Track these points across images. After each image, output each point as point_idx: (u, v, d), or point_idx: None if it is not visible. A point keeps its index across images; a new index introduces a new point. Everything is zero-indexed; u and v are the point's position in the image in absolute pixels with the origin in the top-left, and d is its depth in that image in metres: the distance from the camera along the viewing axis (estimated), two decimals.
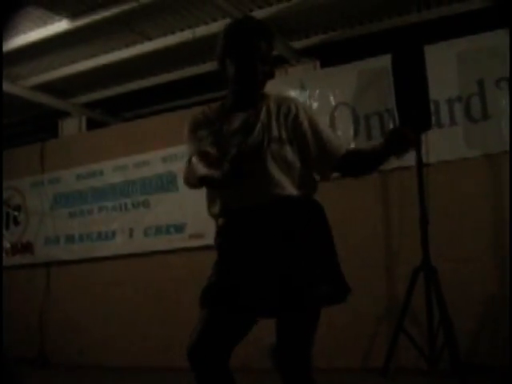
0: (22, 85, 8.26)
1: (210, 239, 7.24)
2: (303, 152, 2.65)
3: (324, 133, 2.67)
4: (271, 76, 2.73)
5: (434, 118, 5.78)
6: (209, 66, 7.73)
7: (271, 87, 7.03)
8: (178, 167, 7.49)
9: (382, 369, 5.36)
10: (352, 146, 6.47)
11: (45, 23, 6.69)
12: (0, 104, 6.99)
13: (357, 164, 2.80)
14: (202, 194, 7.17)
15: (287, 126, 2.61)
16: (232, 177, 2.42)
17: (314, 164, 2.72)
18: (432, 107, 5.73)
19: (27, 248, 8.88)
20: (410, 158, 5.84)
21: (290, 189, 2.57)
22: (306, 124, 2.63)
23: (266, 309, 2.52)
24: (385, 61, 6.01)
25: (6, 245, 9.08)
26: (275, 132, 2.57)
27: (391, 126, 6.27)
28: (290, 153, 2.58)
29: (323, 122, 2.75)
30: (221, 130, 2.66)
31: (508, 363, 4.89)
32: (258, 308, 2.52)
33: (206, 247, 7.15)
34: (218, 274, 2.64)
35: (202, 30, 6.80)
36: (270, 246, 2.49)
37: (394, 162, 6.18)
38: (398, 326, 5.34)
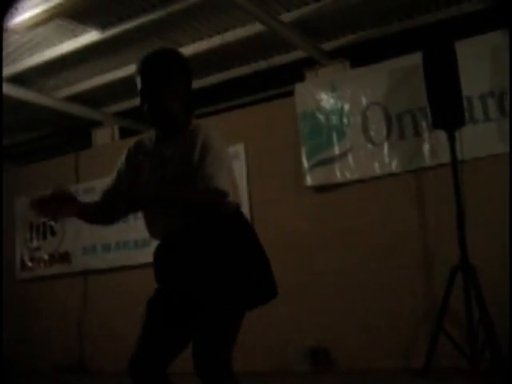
0: (55, 96, 8.35)
1: None
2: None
3: (204, 162, 2.59)
4: (184, 109, 2.75)
5: (467, 115, 5.72)
6: (238, 72, 7.75)
7: (303, 89, 7.03)
8: None
9: (422, 369, 5.31)
10: (385, 146, 6.44)
11: (75, 35, 6.76)
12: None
13: None
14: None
15: (185, 161, 2.64)
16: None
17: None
18: (465, 103, 5.68)
19: (65, 258, 8.97)
20: (444, 156, 5.81)
21: (190, 217, 2.64)
22: (197, 153, 2.62)
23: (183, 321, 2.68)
24: (416, 59, 5.97)
25: (44, 255, 9.18)
26: (174, 169, 2.65)
27: (424, 124, 6.23)
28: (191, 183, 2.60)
29: (218, 156, 2.62)
30: (142, 163, 2.78)
31: None
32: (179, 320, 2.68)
33: None
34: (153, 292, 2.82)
35: (230, 35, 6.82)
36: (180, 267, 2.69)
37: (428, 161, 6.19)
38: (438, 325, 5.29)
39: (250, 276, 2.68)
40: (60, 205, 2.62)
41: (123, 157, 2.91)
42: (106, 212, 2.83)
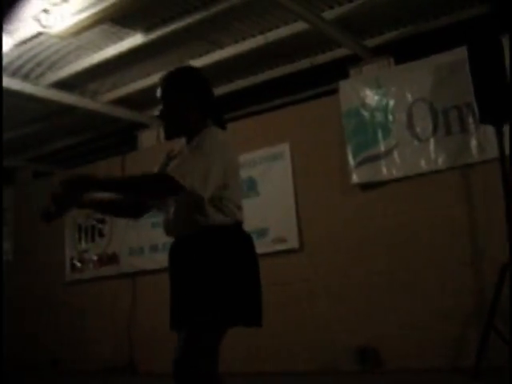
0: (101, 100, 8.46)
1: (292, 243, 7.28)
2: None
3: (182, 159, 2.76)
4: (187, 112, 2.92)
5: None
6: (282, 70, 7.75)
7: (348, 86, 6.98)
8: (257, 172, 7.53)
9: (473, 369, 5.23)
10: (431, 142, 6.37)
11: (120, 39, 6.84)
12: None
13: None
14: (282, 198, 7.21)
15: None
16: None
17: None
18: None
19: (113, 259, 9.08)
20: (492, 151, 5.71)
21: (193, 224, 2.79)
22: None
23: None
24: (461, 53, 5.89)
25: (93, 257, 9.31)
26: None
27: (471, 119, 6.13)
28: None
29: (199, 154, 2.69)
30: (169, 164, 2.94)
31: None
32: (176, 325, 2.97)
33: (289, 251, 7.17)
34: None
35: (274, 35, 6.82)
36: (175, 276, 2.99)
37: (475, 157, 6.10)
38: (488, 324, 5.20)
39: (231, 293, 2.73)
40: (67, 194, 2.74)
41: (164, 157, 3.11)
42: (133, 206, 3.13)
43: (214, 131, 2.82)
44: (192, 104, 2.91)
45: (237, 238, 2.84)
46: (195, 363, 2.74)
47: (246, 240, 2.89)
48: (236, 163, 2.89)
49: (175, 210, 2.83)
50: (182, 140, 3.01)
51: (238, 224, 2.85)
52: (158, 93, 2.97)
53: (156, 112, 2.98)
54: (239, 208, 2.85)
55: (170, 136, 2.98)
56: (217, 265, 2.73)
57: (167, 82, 2.99)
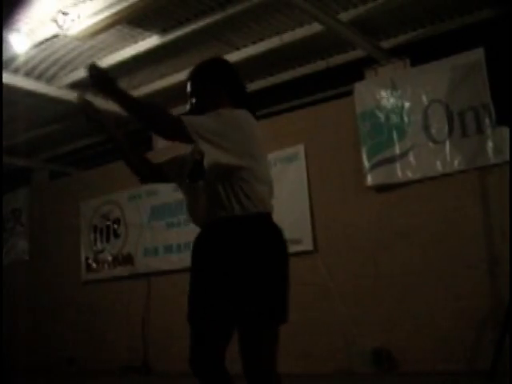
0: None
1: (307, 244, 7.27)
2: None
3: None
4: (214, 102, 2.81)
5: None
6: (297, 72, 7.75)
7: (363, 88, 6.97)
8: (272, 174, 7.51)
9: (489, 372, 5.20)
10: (447, 144, 6.34)
11: (136, 40, 6.87)
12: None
13: None
14: (297, 200, 7.23)
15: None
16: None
17: None
18: None
19: (128, 260, 9.11)
20: (508, 153, 5.68)
21: (232, 208, 2.65)
22: None
23: (222, 324, 2.70)
24: (477, 55, 5.88)
25: (108, 257, 9.35)
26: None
27: (487, 121, 6.10)
28: (210, 168, 2.65)
29: (212, 118, 2.65)
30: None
31: None
32: (216, 323, 2.71)
33: (304, 253, 7.16)
34: (190, 291, 2.89)
35: (289, 36, 6.83)
36: (216, 266, 2.67)
37: (491, 159, 6.07)
38: (505, 327, 5.17)
39: (281, 290, 2.66)
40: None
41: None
42: (149, 173, 3.20)
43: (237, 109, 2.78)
44: (224, 97, 2.83)
45: (273, 228, 2.76)
46: (269, 364, 2.67)
47: (279, 230, 2.79)
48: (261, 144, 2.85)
49: (210, 194, 2.69)
50: None
51: (269, 214, 2.79)
52: (188, 87, 2.90)
53: (186, 107, 2.90)
54: (268, 197, 2.81)
55: None
56: (266, 256, 2.64)
57: (197, 75, 2.92)
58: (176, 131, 2.57)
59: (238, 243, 2.63)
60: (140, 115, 2.68)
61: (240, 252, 2.62)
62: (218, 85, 2.85)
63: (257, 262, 2.60)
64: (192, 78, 2.92)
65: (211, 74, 2.88)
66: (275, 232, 2.76)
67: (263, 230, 2.71)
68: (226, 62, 3.06)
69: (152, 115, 2.64)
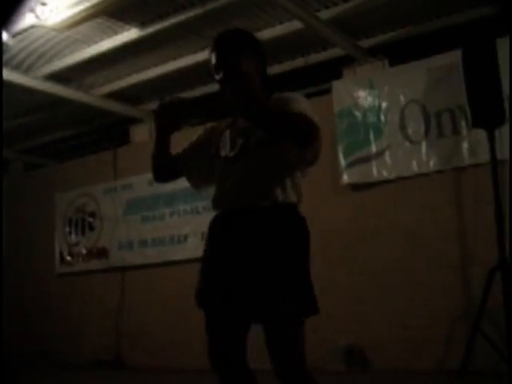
0: (94, 94, 8.44)
1: None
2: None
3: (292, 110, 2.52)
4: (264, 85, 2.72)
5: (507, 113, 5.63)
6: (275, 69, 7.74)
7: (341, 87, 6.98)
8: None
9: (459, 371, 5.25)
10: (423, 144, 6.39)
11: (115, 33, 6.83)
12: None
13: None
14: None
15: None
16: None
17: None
18: (505, 102, 5.58)
19: (102, 253, 9.08)
20: (483, 155, 5.74)
21: (276, 195, 2.56)
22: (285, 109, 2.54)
23: (247, 316, 2.58)
24: (455, 56, 5.91)
25: (83, 250, 9.31)
26: (263, 137, 2.55)
27: (463, 122, 6.16)
28: (276, 155, 2.56)
29: (304, 108, 2.57)
30: (225, 134, 2.72)
31: None
32: (241, 314, 2.57)
33: None
34: (206, 279, 2.63)
35: (269, 33, 6.81)
36: (248, 255, 2.51)
37: (466, 160, 6.12)
38: (475, 326, 5.23)
39: (310, 290, 2.61)
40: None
41: (199, 135, 2.91)
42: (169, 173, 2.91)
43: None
44: (263, 71, 2.71)
45: (304, 220, 2.69)
46: (304, 361, 2.62)
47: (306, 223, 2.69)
48: None
49: (250, 177, 2.56)
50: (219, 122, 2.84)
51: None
52: (232, 51, 2.61)
53: (219, 76, 2.62)
54: None
55: (234, 91, 2.58)
56: (302, 250, 2.59)
57: (246, 37, 2.70)
58: (316, 134, 2.53)
59: (278, 232, 2.54)
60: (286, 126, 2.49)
61: (280, 243, 2.52)
62: (262, 65, 2.72)
63: (296, 254, 2.55)
64: (240, 44, 2.65)
65: (255, 47, 2.71)
66: (306, 225, 2.71)
67: (301, 221, 2.68)
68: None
69: (297, 123, 2.48)
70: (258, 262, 2.48)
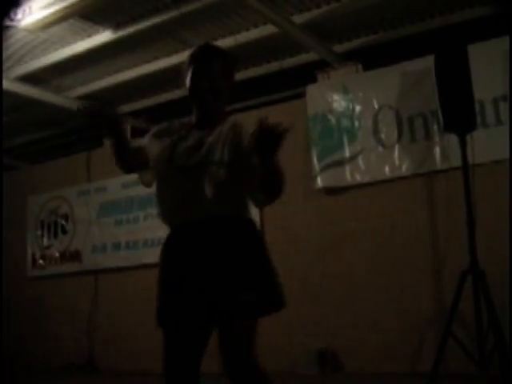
0: (67, 95, 8.39)
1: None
2: (245, 174, 2.68)
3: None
4: (226, 98, 2.86)
5: (479, 118, 5.70)
6: (251, 72, 7.76)
7: (315, 91, 7.00)
8: None
9: (430, 373, 5.28)
10: (396, 149, 6.44)
11: (89, 35, 6.80)
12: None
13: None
14: None
15: (231, 149, 2.69)
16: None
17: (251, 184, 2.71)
18: (477, 107, 5.65)
19: (75, 256, 9.02)
20: (455, 160, 5.79)
21: (223, 208, 2.66)
22: (246, 147, 2.67)
23: (205, 320, 2.62)
24: (428, 62, 5.96)
25: (55, 253, 9.24)
26: (218, 154, 2.67)
27: (435, 127, 6.22)
28: (227, 175, 2.65)
29: None
30: (177, 144, 2.79)
31: None
32: (199, 321, 2.63)
33: None
34: (163, 292, 2.78)
35: (243, 36, 6.83)
36: (203, 261, 2.60)
37: (439, 164, 6.17)
38: (446, 329, 5.26)
39: (272, 282, 2.74)
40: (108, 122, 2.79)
41: (153, 132, 2.96)
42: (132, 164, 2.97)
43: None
44: (229, 94, 2.88)
45: (256, 228, 2.85)
46: (254, 358, 2.71)
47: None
48: None
49: (219, 188, 2.65)
50: (176, 121, 2.95)
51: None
52: (216, 65, 2.79)
53: (204, 84, 2.77)
54: None
55: (207, 109, 2.82)
56: (258, 251, 2.74)
57: (229, 63, 2.88)
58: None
59: (235, 239, 2.66)
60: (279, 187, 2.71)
61: (238, 247, 2.64)
62: (232, 82, 2.90)
63: (253, 254, 2.69)
64: (223, 61, 2.85)
65: (234, 70, 2.93)
66: (259, 231, 2.87)
67: (255, 228, 2.81)
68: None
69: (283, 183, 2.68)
70: (217, 266, 2.57)
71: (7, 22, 6.06)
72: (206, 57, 2.82)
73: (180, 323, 2.65)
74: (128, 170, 3.01)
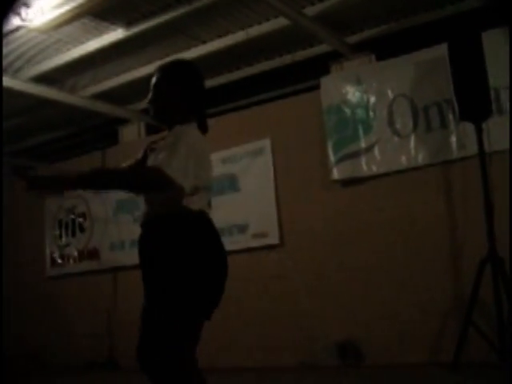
0: (81, 95, 8.41)
1: (273, 238, 7.29)
2: None
3: (160, 154, 2.80)
4: (173, 108, 3.00)
5: (494, 106, 5.65)
6: (264, 66, 7.74)
7: (329, 83, 6.98)
8: (238, 168, 7.54)
9: (452, 363, 5.27)
10: (412, 138, 6.40)
11: (100, 33, 6.80)
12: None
13: None
14: (263, 194, 7.26)
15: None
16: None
17: None
18: (492, 94, 5.60)
19: (93, 254, 9.05)
20: (471, 148, 5.76)
21: (158, 208, 2.86)
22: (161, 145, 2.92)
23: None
24: (441, 50, 5.93)
25: (74, 252, 9.28)
26: (154, 160, 2.86)
27: (450, 116, 6.18)
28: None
29: (175, 144, 2.77)
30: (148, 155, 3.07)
31: None
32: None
33: (269, 246, 7.19)
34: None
35: (255, 30, 6.81)
36: (144, 260, 2.97)
37: (455, 153, 6.14)
38: (467, 319, 5.25)
39: (202, 284, 2.77)
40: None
41: (146, 145, 3.18)
42: None
43: (191, 132, 2.89)
44: (179, 98, 2.99)
45: (200, 224, 2.86)
46: (161, 350, 2.76)
47: (208, 226, 2.90)
48: (207, 157, 2.95)
49: (146, 197, 2.93)
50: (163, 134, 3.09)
51: (202, 211, 2.87)
52: (153, 79, 3.04)
53: (147, 98, 3.04)
54: (205, 199, 2.92)
55: (156, 120, 3.05)
56: (183, 251, 2.77)
57: (163, 72, 3.05)
58: (164, 183, 2.66)
59: (159, 240, 2.86)
60: (124, 187, 2.94)
61: (160, 248, 2.84)
62: (178, 86, 3.00)
63: (170, 258, 2.79)
64: (158, 73, 3.06)
65: (176, 75, 3.03)
66: (188, 233, 2.86)
67: (180, 229, 2.85)
68: (192, 66, 3.17)
69: (136, 181, 2.78)
70: (147, 264, 2.93)
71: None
72: (153, 77, 3.06)
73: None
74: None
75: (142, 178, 2.75)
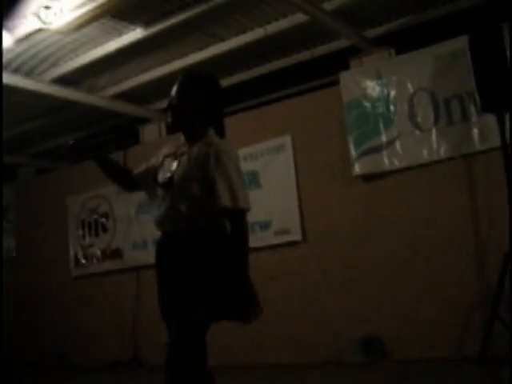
0: (102, 95, 8.46)
1: (295, 234, 7.28)
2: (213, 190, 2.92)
3: (218, 181, 2.88)
4: (192, 117, 3.06)
5: None
6: (282, 63, 7.74)
7: (348, 78, 6.95)
8: (260, 165, 7.54)
9: (478, 357, 5.24)
10: (433, 132, 6.36)
11: (120, 33, 6.83)
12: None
13: None
14: (285, 190, 7.26)
15: (200, 167, 2.93)
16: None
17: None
18: None
19: (116, 254, 9.10)
20: (494, 140, 5.71)
21: (194, 222, 2.95)
22: (212, 168, 2.90)
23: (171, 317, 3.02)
24: (462, 42, 5.89)
25: (97, 252, 9.33)
26: (188, 171, 2.96)
27: (472, 108, 6.13)
28: (197, 190, 2.93)
29: (229, 172, 2.89)
30: (164, 163, 3.16)
31: None
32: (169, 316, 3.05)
33: (292, 243, 7.18)
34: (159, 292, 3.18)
35: (273, 27, 6.81)
36: (171, 269, 3.00)
37: (477, 145, 6.09)
38: (493, 313, 5.21)
39: (224, 292, 2.88)
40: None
41: (163, 152, 3.27)
42: (130, 184, 3.42)
43: (225, 147, 2.96)
44: (200, 109, 3.04)
45: (225, 241, 2.96)
46: (188, 354, 2.90)
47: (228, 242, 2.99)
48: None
49: (191, 202, 2.94)
50: (180, 139, 3.14)
51: (225, 227, 2.98)
52: (175, 87, 3.08)
53: (166, 103, 3.09)
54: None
55: (173, 128, 3.11)
56: (216, 265, 2.90)
57: (187, 82, 3.11)
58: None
59: (196, 253, 2.92)
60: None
61: (196, 261, 2.91)
62: (200, 98, 3.06)
63: (209, 270, 2.89)
64: (182, 82, 3.11)
65: (199, 87, 3.08)
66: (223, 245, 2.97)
67: (216, 243, 2.96)
68: (215, 80, 3.23)
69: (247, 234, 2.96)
70: (178, 277, 2.95)
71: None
72: (174, 88, 3.11)
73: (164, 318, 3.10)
74: (127, 190, 3.54)
75: (246, 227, 2.95)
